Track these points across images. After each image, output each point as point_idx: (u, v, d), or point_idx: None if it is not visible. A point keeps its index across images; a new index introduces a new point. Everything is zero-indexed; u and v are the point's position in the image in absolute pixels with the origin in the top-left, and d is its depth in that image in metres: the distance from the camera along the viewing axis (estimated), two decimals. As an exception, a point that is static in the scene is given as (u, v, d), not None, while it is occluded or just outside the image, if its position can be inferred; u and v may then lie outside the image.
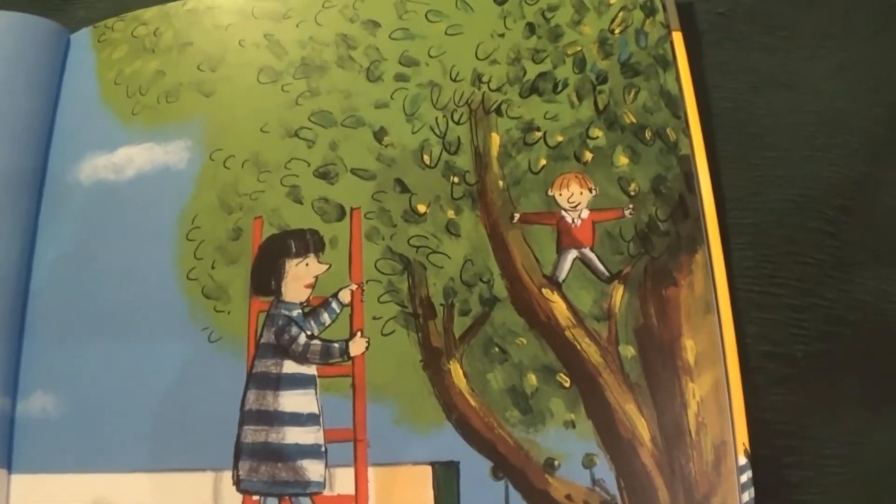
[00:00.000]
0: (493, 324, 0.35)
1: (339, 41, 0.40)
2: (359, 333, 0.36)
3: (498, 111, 0.38)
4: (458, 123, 0.38)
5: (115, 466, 0.35)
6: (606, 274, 0.35)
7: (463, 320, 0.35)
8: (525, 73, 0.39)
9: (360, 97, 0.39)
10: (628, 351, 0.34)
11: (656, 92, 0.37)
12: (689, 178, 0.36)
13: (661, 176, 0.36)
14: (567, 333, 0.35)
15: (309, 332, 0.36)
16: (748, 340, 0.35)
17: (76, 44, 0.43)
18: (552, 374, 0.34)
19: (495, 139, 0.38)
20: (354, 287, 0.36)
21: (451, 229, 0.37)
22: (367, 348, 0.35)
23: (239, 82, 0.40)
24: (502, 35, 0.39)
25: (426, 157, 0.38)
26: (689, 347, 0.34)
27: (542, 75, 0.38)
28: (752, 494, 0.32)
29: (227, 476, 0.35)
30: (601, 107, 0.38)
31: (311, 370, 0.36)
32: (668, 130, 0.37)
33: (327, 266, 0.37)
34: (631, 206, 0.36)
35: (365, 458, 0.34)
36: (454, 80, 0.39)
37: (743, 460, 0.32)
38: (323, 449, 0.35)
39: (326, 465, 0.34)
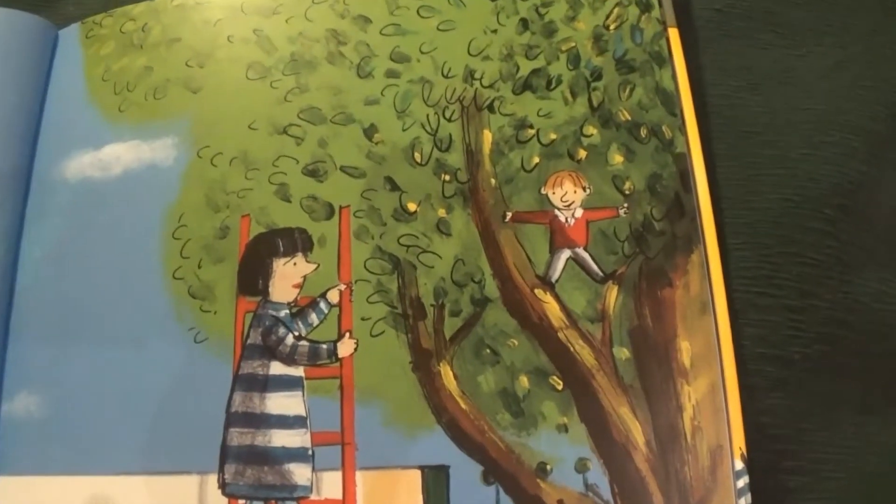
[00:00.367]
0: (484, 325, 0.35)
1: (329, 37, 0.40)
2: (347, 334, 0.35)
3: (490, 108, 0.38)
4: (449, 120, 0.38)
5: (99, 469, 0.35)
6: (600, 274, 0.35)
7: (453, 321, 0.35)
8: (518, 69, 0.38)
9: (350, 94, 0.39)
10: (622, 353, 0.34)
11: (652, 89, 0.37)
12: (685, 176, 0.36)
13: (656, 174, 0.36)
14: (560, 335, 0.34)
15: (296, 333, 0.36)
16: (745, 342, 0.35)
17: (64, 40, 0.43)
18: (544, 377, 0.34)
19: (487, 136, 0.37)
20: (343, 287, 0.36)
21: (442, 228, 0.36)
22: (355, 349, 0.35)
23: (227, 78, 0.40)
24: (495, 31, 0.39)
25: (417, 155, 0.37)
26: (685, 349, 0.33)
27: (535, 72, 0.38)
28: (749, 500, 0.31)
29: (213, 479, 0.34)
30: (596, 104, 0.37)
31: (298, 372, 0.35)
32: (663, 128, 0.36)
33: (315, 265, 0.36)
34: (626, 204, 0.36)
35: (353, 462, 0.34)
36: (446, 77, 0.38)
37: (739, 465, 0.32)
38: (310, 452, 0.34)
39: (313, 469, 0.34)
